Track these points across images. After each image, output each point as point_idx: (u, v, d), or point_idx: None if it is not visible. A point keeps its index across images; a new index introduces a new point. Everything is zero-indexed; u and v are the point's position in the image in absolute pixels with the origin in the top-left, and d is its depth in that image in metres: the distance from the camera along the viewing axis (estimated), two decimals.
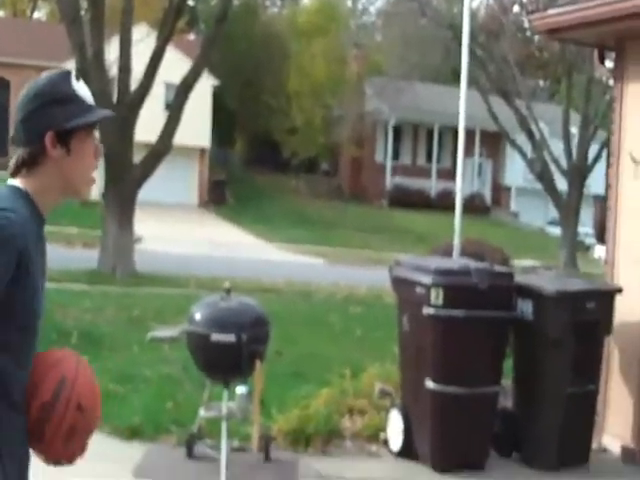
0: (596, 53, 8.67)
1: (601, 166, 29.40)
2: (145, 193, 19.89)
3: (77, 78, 2.58)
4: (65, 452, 2.55)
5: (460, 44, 9.43)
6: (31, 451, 2.56)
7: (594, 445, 7.69)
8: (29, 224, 2.45)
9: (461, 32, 9.13)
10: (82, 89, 2.57)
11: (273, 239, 32.57)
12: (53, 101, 2.50)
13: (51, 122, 2.48)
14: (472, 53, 23.64)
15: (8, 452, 2.45)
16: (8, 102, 41.11)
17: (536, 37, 38.32)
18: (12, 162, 2.55)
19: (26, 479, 2.58)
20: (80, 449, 2.59)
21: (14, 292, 2.40)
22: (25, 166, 2.51)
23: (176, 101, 19.46)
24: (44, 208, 2.55)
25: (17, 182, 2.54)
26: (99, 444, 7.07)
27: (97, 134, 2.68)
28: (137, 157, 18.65)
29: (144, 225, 24.84)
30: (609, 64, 8.62)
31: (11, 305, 2.41)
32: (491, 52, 28.96)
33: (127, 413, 7.61)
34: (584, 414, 7.36)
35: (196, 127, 37.37)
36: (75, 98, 2.54)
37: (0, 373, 2.40)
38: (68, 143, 2.51)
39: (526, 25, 35.54)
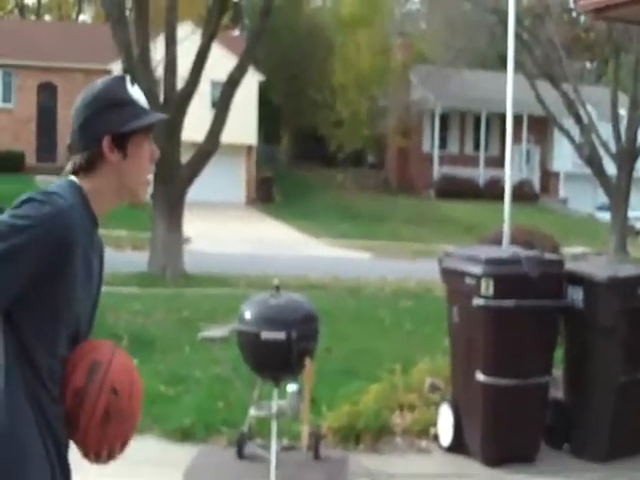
0: None
1: None
2: (192, 193, 19.96)
3: (132, 83, 2.62)
4: (102, 441, 2.52)
5: (505, 28, 9.35)
6: (73, 445, 2.55)
7: None
8: (81, 220, 2.47)
9: (506, 16, 9.05)
10: (137, 93, 2.61)
11: (320, 235, 32.54)
12: (109, 106, 2.54)
13: (108, 126, 2.53)
14: (518, 37, 23.45)
15: (53, 441, 2.46)
16: (56, 106, 41.59)
17: (582, 18, 37.93)
18: (68, 168, 2.58)
19: (67, 468, 2.57)
20: (119, 439, 2.55)
21: (48, 281, 2.40)
22: (82, 171, 2.55)
23: (222, 99, 19.44)
24: (99, 211, 2.58)
25: (74, 178, 2.57)
26: (150, 447, 7.19)
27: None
28: (184, 157, 18.71)
29: (192, 225, 24.93)
30: None
31: (42, 292, 2.40)
32: (537, 35, 28.64)
33: (178, 415, 7.66)
34: (636, 403, 7.27)
35: (243, 124, 37.44)
36: (131, 102, 2.58)
37: (39, 366, 2.41)
38: (125, 147, 2.55)
39: (572, 6, 35.21)
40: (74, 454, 2.57)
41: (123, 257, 19.50)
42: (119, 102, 2.56)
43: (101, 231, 2.65)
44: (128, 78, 2.64)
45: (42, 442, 2.44)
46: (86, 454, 2.56)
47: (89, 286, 2.58)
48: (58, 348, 2.46)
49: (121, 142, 2.55)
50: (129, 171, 2.58)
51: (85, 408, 2.46)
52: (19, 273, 2.35)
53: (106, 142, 2.52)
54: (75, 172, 2.56)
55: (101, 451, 2.54)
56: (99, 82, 2.62)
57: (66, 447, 2.55)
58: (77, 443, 2.54)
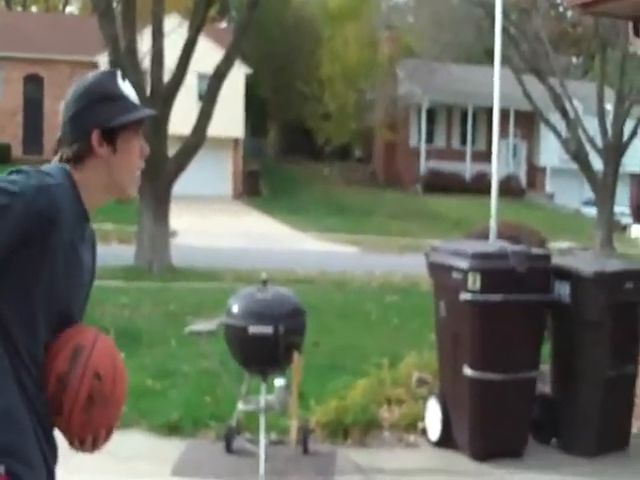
0: (631, 26, 8.55)
1: (637, 143, 29.11)
2: (179, 186, 19.93)
3: (123, 78, 2.62)
4: (87, 427, 2.50)
5: (492, 22, 9.36)
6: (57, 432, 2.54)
7: (634, 429, 7.62)
8: (69, 203, 2.45)
9: (493, 10, 9.06)
10: (128, 88, 2.61)
11: (307, 229, 32.55)
12: (100, 99, 2.55)
13: (97, 120, 2.53)
14: (505, 31, 23.47)
15: (42, 429, 2.46)
16: (42, 98, 41.45)
17: (569, 13, 38.00)
18: (55, 159, 2.58)
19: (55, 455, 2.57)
20: (103, 425, 2.53)
21: (25, 258, 2.38)
22: (69, 162, 2.55)
23: (209, 92, 19.40)
24: (88, 204, 2.57)
25: (66, 165, 2.56)
26: (138, 442, 7.18)
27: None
28: (171, 150, 18.67)
29: (179, 219, 24.89)
30: None
31: (19, 269, 2.39)
32: (524, 30, 28.68)
33: (166, 409, 7.65)
34: (624, 397, 7.30)
35: (229, 117, 37.36)
36: (121, 97, 2.58)
37: (18, 345, 2.40)
38: (114, 141, 2.56)
39: (558, 1, 35.26)
40: (60, 448, 2.56)
41: (109, 250, 19.42)
42: (110, 96, 2.56)
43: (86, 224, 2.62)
44: (119, 73, 2.63)
45: (32, 428, 2.44)
46: (70, 441, 2.54)
47: (79, 275, 2.57)
48: (38, 330, 2.44)
49: (111, 136, 2.55)
50: (118, 166, 2.58)
51: (68, 393, 2.44)
52: None
53: (95, 136, 2.53)
54: (63, 163, 2.56)
55: (85, 438, 2.52)
56: (90, 76, 2.62)
57: (52, 436, 2.54)
58: (61, 430, 2.52)
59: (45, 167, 2.51)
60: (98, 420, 2.50)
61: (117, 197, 2.68)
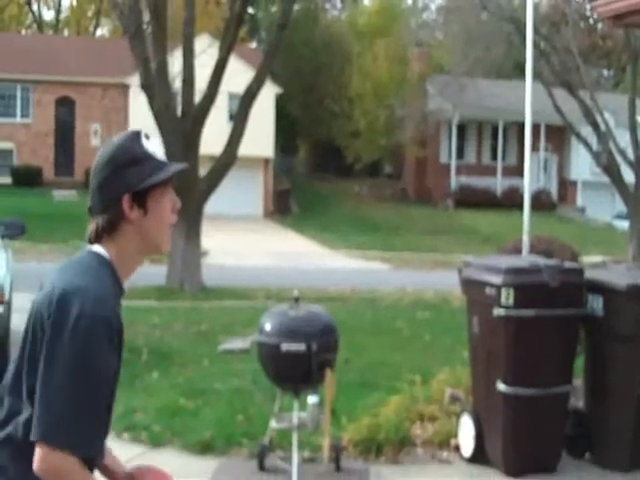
0: None
1: None
2: (210, 206, 20.00)
3: (147, 136, 2.59)
4: None
5: (522, 37, 9.34)
6: None
7: None
8: (115, 297, 2.50)
9: (523, 25, 9.05)
10: (153, 146, 2.59)
11: (338, 247, 32.54)
12: (125, 164, 2.52)
13: (126, 185, 2.51)
14: (535, 45, 23.41)
15: None
16: (74, 120, 41.80)
17: (599, 25, 37.83)
18: (90, 230, 2.57)
19: None
20: None
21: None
22: (104, 233, 2.54)
23: (240, 111, 19.45)
24: (125, 273, 2.59)
25: (98, 249, 2.56)
26: (171, 460, 7.19)
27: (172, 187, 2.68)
28: (202, 170, 18.74)
29: (210, 238, 24.98)
30: None
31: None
32: (554, 43, 28.58)
33: (198, 428, 7.66)
34: None
35: (260, 137, 37.49)
36: (147, 157, 2.55)
37: None
38: (145, 203, 2.54)
39: (589, 13, 35.11)
40: None
41: (141, 270, 19.26)
42: (136, 159, 2.54)
43: (120, 302, 2.64)
44: (143, 133, 2.61)
45: None
46: None
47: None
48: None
49: (141, 199, 2.54)
50: (151, 227, 2.57)
51: None
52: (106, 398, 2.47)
53: (126, 201, 2.51)
54: (98, 235, 2.55)
55: None
56: (113, 140, 2.60)
57: None
58: None
59: (82, 270, 2.51)
60: None
61: (151, 253, 2.68)
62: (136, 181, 2.51)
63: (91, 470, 2.49)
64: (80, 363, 2.34)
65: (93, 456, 2.42)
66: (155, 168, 2.55)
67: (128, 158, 2.53)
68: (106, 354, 2.40)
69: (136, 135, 2.59)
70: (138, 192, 2.52)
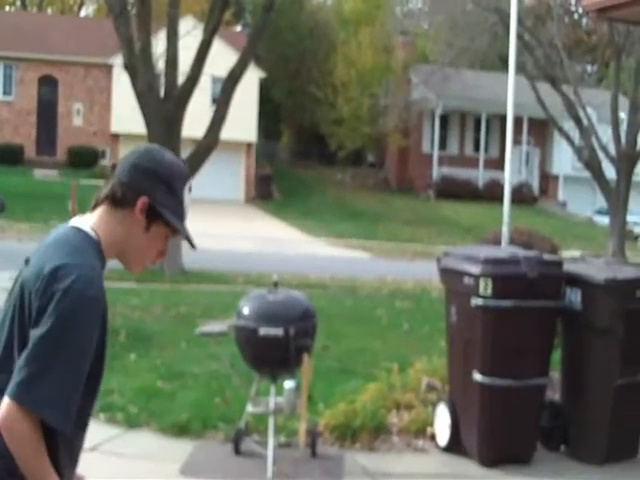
0: None
1: None
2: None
3: (190, 189, 2.70)
4: None
5: (507, 28, 9.34)
6: None
7: None
8: (102, 277, 2.54)
9: (508, 16, 9.05)
10: (187, 199, 2.70)
11: (319, 234, 32.53)
12: (166, 182, 2.62)
13: (153, 194, 2.60)
14: (519, 38, 23.40)
15: None
16: (56, 99, 41.55)
17: (584, 20, 37.88)
18: (104, 189, 2.63)
19: None
20: None
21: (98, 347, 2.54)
22: (112, 203, 2.60)
23: (223, 95, 19.37)
24: (106, 254, 2.63)
25: (88, 226, 2.60)
26: (147, 442, 7.19)
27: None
28: (184, 153, 18.67)
29: (191, 222, 24.82)
30: None
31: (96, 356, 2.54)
32: (538, 37, 28.59)
33: (175, 410, 7.66)
34: (634, 406, 7.26)
35: (243, 121, 37.41)
36: (179, 199, 2.67)
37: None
38: (150, 222, 2.61)
39: (574, 8, 35.15)
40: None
41: None
42: (174, 190, 2.64)
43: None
44: (191, 183, 2.72)
45: None
46: None
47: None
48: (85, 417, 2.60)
49: (150, 216, 2.61)
50: (140, 242, 2.64)
51: None
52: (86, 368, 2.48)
53: (142, 202, 2.58)
54: (106, 198, 2.62)
55: None
56: (175, 157, 2.71)
57: None
58: None
59: (69, 240, 2.55)
60: None
61: (120, 262, 2.73)
62: (161, 202, 2.61)
63: (72, 457, 2.54)
64: (63, 334, 2.38)
65: (62, 428, 2.42)
66: (177, 212, 2.66)
67: (171, 181, 2.64)
68: (90, 331, 2.44)
69: (187, 178, 2.71)
70: (154, 209, 2.60)
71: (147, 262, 2.72)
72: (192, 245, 2.78)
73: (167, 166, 2.65)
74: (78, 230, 2.59)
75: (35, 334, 2.40)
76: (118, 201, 2.60)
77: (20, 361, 2.40)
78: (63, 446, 2.49)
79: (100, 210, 2.62)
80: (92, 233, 2.59)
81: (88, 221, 2.62)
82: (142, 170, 2.61)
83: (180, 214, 2.67)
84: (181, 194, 2.66)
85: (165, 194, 2.61)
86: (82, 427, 2.57)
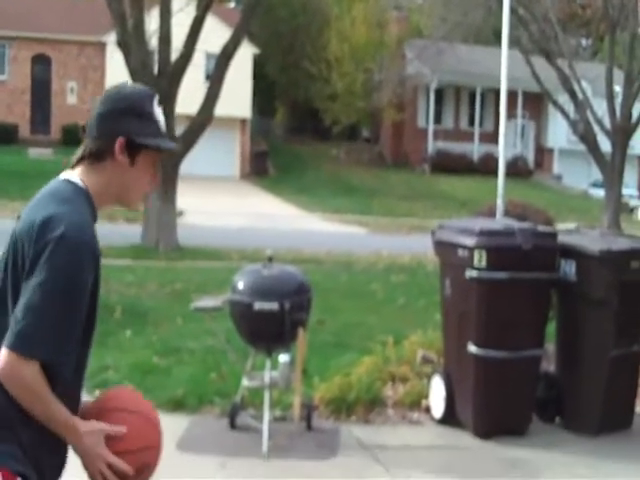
0: None
1: None
2: (186, 166, 19.91)
3: (159, 103, 2.73)
4: None
5: (501, 3, 9.30)
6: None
7: (638, 409, 7.61)
8: (92, 224, 2.60)
9: None
10: (160, 114, 2.72)
11: (315, 209, 32.53)
12: (135, 112, 2.65)
13: (127, 130, 2.63)
14: (513, 12, 23.29)
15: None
16: (50, 78, 41.38)
17: None
18: (78, 152, 2.68)
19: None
20: None
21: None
22: (90, 158, 2.65)
23: (216, 71, 19.33)
24: (97, 206, 2.69)
25: (76, 177, 2.65)
26: None
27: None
28: (178, 130, 18.64)
29: (186, 198, 24.87)
30: None
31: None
32: (532, 11, 28.47)
33: (171, 386, 7.67)
34: (628, 377, 7.29)
35: (237, 97, 37.29)
36: (154, 120, 2.70)
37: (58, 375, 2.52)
38: (134, 155, 2.65)
39: None
40: None
41: (116, 229, 19.47)
42: (144, 114, 2.67)
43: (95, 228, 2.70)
44: (157, 97, 2.74)
45: None
46: None
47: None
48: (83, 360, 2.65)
49: (132, 149, 2.64)
50: (130, 178, 2.68)
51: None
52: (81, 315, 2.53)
53: (119, 143, 2.62)
54: (83, 158, 2.66)
55: None
56: (133, 86, 2.75)
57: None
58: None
59: (64, 199, 2.58)
60: None
61: (120, 204, 2.79)
62: (136, 132, 2.64)
63: (72, 407, 2.57)
64: (58, 280, 2.44)
65: (61, 371, 2.48)
66: (156, 133, 2.70)
67: (139, 109, 2.66)
68: (84, 276, 2.49)
69: (153, 96, 2.73)
70: (133, 142, 2.64)
71: (144, 192, 2.78)
72: (172, 149, 2.83)
73: (128, 97, 2.67)
74: (68, 182, 2.64)
75: (30, 284, 2.44)
76: (97, 156, 2.64)
77: (16, 311, 2.44)
78: (61, 395, 2.52)
79: (83, 167, 2.66)
80: (81, 183, 2.63)
81: (76, 174, 2.66)
82: (107, 116, 2.63)
83: (157, 132, 2.69)
84: (151, 113, 2.69)
85: (137, 123, 2.64)
86: (81, 373, 2.63)
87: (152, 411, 2.79)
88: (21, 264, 2.50)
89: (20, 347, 2.40)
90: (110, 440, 2.58)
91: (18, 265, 2.51)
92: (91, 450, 2.55)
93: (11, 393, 2.44)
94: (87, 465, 2.58)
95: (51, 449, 2.58)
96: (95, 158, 2.64)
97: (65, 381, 2.51)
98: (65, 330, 2.45)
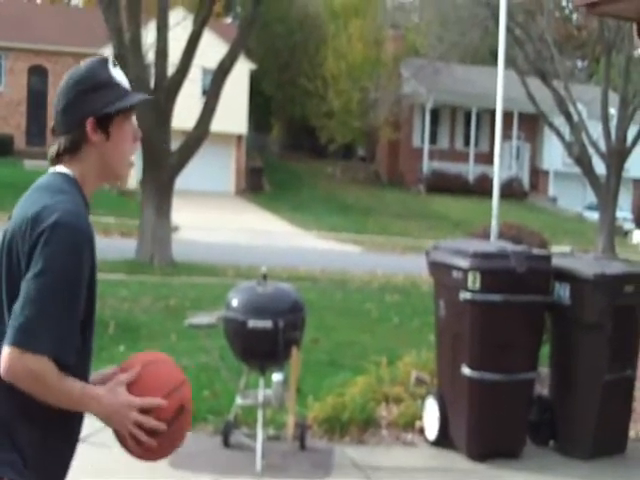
0: (635, 28, 8.52)
1: None
2: (182, 181, 19.93)
3: (114, 64, 2.67)
4: (153, 460, 2.75)
5: (498, 23, 9.33)
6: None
7: (632, 434, 7.61)
8: (86, 217, 2.55)
9: (498, 10, 9.04)
10: (119, 75, 2.66)
11: (310, 227, 32.53)
12: (92, 88, 2.59)
13: (91, 109, 2.58)
14: (510, 32, 23.42)
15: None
16: (46, 89, 41.40)
17: (574, 16, 37.91)
18: (52, 150, 2.65)
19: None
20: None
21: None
22: (67, 153, 2.61)
23: (213, 86, 19.38)
24: (87, 192, 2.65)
25: (62, 169, 2.63)
26: None
27: (135, 118, 2.77)
28: (174, 145, 18.66)
29: (181, 214, 24.92)
30: None
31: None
32: (529, 31, 28.60)
33: None
34: (622, 401, 7.29)
35: (233, 113, 37.34)
36: (113, 84, 2.63)
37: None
38: (107, 128, 2.61)
39: (564, 3, 35.17)
40: None
41: (111, 243, 19.45)
42: (102, 84, 2.61)
43: (89, 217, 2.68)
44: (110, 59, 2.68)
45: None
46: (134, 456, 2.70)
47: None
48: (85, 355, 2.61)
49: (104, 123, 2.61)
50: (112, 152, 2.64)
51: (160, 437, 2.61)
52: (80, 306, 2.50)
53: (90, 124, 2.58)
54: (59, 155, 2.62)
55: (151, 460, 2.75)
56: (82, 64, 2.67)
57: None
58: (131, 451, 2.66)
59: (47, 185, 2.60)
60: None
61: (111, 182, 2.79)
62: (101, 105, 2.59)
63: None
64: (55, 269, 2.40)
65: (66, 360, 2.43)
66: (120, 95, 2.63)
67: (95, 82, 2.61)
68: (81, 262, 2.46)
69: (104, 61, 2.67)
70: (102, 116, 2.59)
71: (129, 162, 2.73)
72: (142, 100, 2.75)
73: (82, 76, 2.63)
74: (57, 174, 2.63)
75: (28, 277, 2.40)
76: (73, 148, 2.61)
77: (16, 307, 2.39)
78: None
79: (63, 163, 2.64)
80: (70, 173, 2.61)
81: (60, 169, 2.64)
82: (69, 105, 2.60)
83: (120, 93, 2.64)
84: (108, 78, 2.63)
85: (98, 97, 2.60)
86: (85, 360, 2.59)
87: (166, 356, 2.78)
88: (16, 262, 2.46)
89: (21, 342, 2.36)
90: (141, 391, 2.56)
91: (13, 263, 2.47)
92: (115, 405, 2.52)
93: (22, 389, 2.40)
94: (117, 427, 2.55)
95: (54, 448, 2.55)
96: (72, 151, 2.61)
97: (69, 369, 2.46)
98: (66, 320, 2.41)
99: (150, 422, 2.55)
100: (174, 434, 2.63)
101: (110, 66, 2.65)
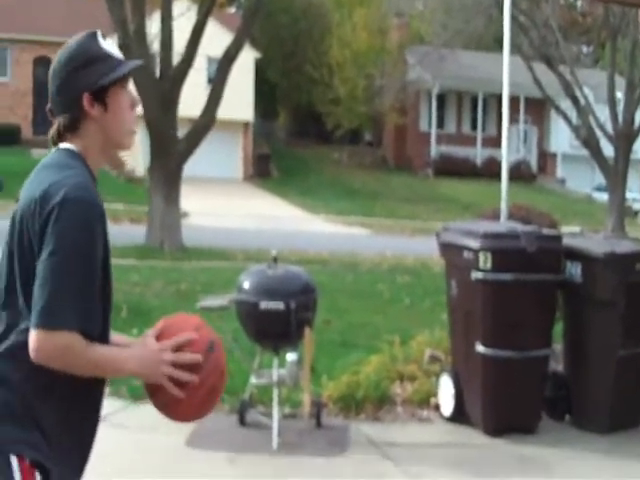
0: None
1: None
2: (190, 168, 19.96)
3: (103, 36, 2.66)
4: (195, 414, 2.72)
5: (502, 10, 9.32)
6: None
7: None
8: (93, 190, 2.54)
9: None
10: (109, 46, 2.65)
11: (318, 211, 32.55)
12: (83, 64, 2.59)
13: (85, 84, 2.58)
14: (514, 19, 23.32)
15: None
16: None
17: (579, 3, 37.82)
18: (53, 131, 2.64)
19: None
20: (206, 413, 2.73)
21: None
22: (68, 131, 2.61)
23: (218, 74, 19.44)
24: (92, 168, 2.64)
25: (66, 145, 2.62)
26: (152, 415, 7.18)
27: (131, 87, 2.78)
28: (181, 133, 18.71)
29: (189, 200, 24.91)
30: None
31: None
32: (533, 18, 28.52)
33: None
34: (636, 376, 7.30)
35: (239, 101, 37.33)
36: (104, 56, 2.62)
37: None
38: (104, 100, 2.61)
39: None
40: None
41: (121, 230, 19.48)
42: (94, 58, 2.60)
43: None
44: (99, 32, 2.67)
45: None
46: (172, 419, 2.73)
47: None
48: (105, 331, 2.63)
49: (100, 96, 2.60)
50: (112, 122, 2.64)
51: (195, 383, 2.60)
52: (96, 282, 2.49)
53: (86, 99, 2.58)
54: (60, 135, 2.62)
55: (187, 420, 2.78)
56: (72, 41, 2.66)
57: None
58: (167, 410, 2.68)
59: (53, 162, 2.59)
60: (206, 411, 2.73)
61: (115, 156, 2.76)
62: (95, 79, 2.59)
63: None
64: (69, 245, 2.40)
65: (91, 331, 2.44)
66: (113, 66, 2.63)
67: (86, 57, 2.60)
68: (94, 235, 2.45)
69: (93, 35, 2.66)
70: (97, 89, 2.59)
71: (132, 130, 2.72)
72: (135, 66, 2.74)
73: (72, 53, 2.63)
74: (60, 149, 2.62)
75: (42, 258, 2.40)
76: (73, 126, 2.61)
77: (35, 290, 2.39)
78: None
79: (66, 141, 2.63)
80: (75, 148, 2.61)
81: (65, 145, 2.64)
82: (63, 84, 2.61)
83: (113, 64, 2.63)
84: (99, 50, 2.63)
85: (91, 71, 2.59)
86: (105, 331, 2.59)
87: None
88: (27, 243, 2.45)
89: (46, 323, 2.36)
90: (169, 337, 2.58)
91: (24, 245, 2.47)
92: (148, 354, 2.54)
93: (55, 368, 2.41)
94: (155, 377, 2.55)
95: (77, 428, 2.57)
96: (73, 128, 2.60)
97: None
98: (85, 292, 2.41)
99: (185, 356, 2.56)
100: (212, 371, 2.61)
101: (100, 39, 2.65)
